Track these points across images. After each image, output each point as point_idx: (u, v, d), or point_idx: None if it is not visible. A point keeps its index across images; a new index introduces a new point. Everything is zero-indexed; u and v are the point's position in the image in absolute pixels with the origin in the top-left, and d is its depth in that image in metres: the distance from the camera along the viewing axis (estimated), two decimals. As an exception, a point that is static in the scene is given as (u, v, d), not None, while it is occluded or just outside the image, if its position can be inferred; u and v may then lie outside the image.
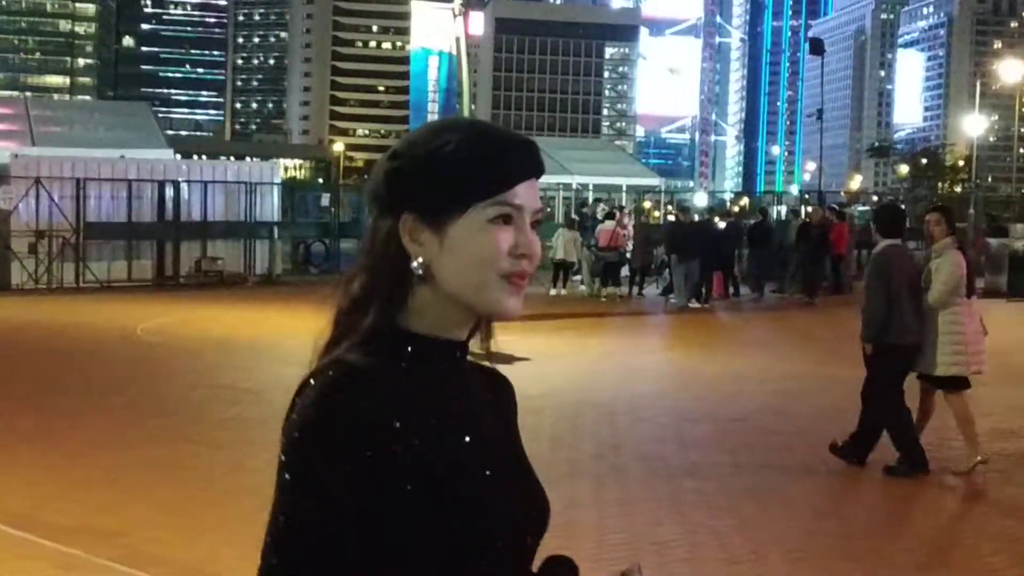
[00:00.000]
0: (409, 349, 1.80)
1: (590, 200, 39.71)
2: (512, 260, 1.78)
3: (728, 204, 55.09)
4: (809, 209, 33.51)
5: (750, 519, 8.63)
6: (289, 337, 18.96)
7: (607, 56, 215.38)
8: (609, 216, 30.36)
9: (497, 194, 1.78)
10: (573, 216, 32.39)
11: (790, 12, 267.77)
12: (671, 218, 35.35)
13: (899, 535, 8.30)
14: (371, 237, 1.83)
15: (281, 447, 1.72)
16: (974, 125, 64.29)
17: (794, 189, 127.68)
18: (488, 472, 1.80)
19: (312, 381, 1.75)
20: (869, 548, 7.89)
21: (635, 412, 13.06)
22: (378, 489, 1.69)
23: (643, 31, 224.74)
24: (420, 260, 1.78)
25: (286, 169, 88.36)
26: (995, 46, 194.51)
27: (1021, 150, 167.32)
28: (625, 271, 29.54)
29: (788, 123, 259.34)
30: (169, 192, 30.91)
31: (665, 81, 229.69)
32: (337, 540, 1.69)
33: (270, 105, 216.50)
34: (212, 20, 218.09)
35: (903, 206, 29.54)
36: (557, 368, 15.81)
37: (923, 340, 9.88)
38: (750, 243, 30.48)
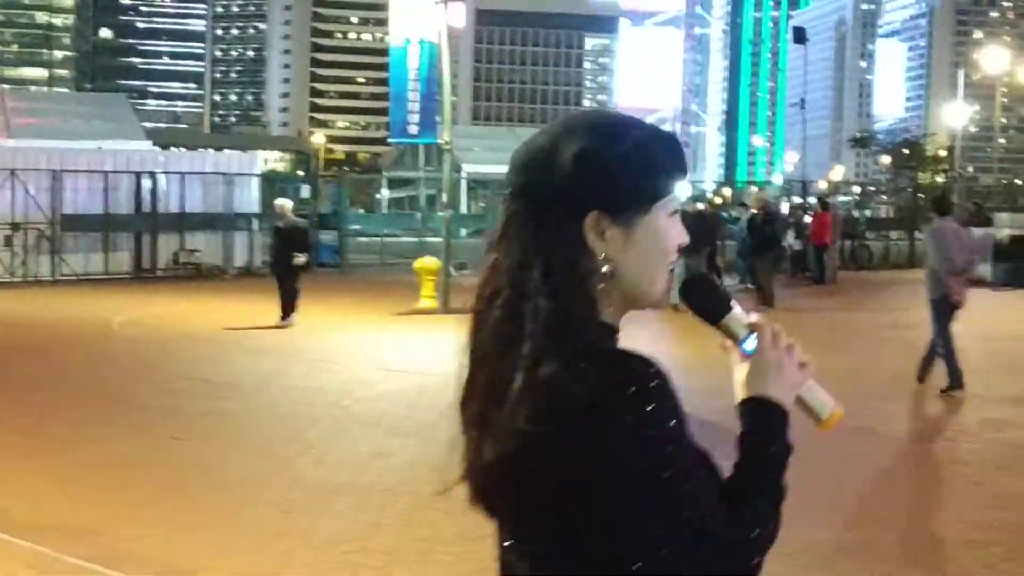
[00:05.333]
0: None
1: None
2: (675, 252, 1.91)
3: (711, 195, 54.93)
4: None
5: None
6: (268, 330, 18.78)
7: (587, 47, 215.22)
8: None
9: (674, 189, 1.89)
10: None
11: (771, 2, 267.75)
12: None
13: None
14: (550, 241, 1.82)
15: (608, 447, 1.70)
16: (956, 115, 64.23)
17: (778, 179, 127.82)
18: None
19: (603, 364, 1.75)
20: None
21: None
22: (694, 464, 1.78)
23: (624, 22, 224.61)
24: (607, 257, 1.82)
25: (266, 161, 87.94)
26: (976, 36, 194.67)
27: (1002, 140, 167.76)
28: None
29: (770, 114, 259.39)
30: (146, 183, 30.61)
31: (645, 72, 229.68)
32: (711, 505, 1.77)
33: (249, 97, 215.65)
34: (190, 11, 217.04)
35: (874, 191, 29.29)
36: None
37: None
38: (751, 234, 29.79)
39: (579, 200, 1.82)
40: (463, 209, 49.09)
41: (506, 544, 1.88)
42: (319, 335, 18.65)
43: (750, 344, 1.92)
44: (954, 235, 13.48)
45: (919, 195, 51.92)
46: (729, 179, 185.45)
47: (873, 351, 17.46)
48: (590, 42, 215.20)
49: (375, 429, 11.27)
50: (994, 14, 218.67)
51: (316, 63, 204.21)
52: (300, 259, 19.28)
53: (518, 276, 1.81)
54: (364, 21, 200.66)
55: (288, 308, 19.26)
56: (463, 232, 39.02)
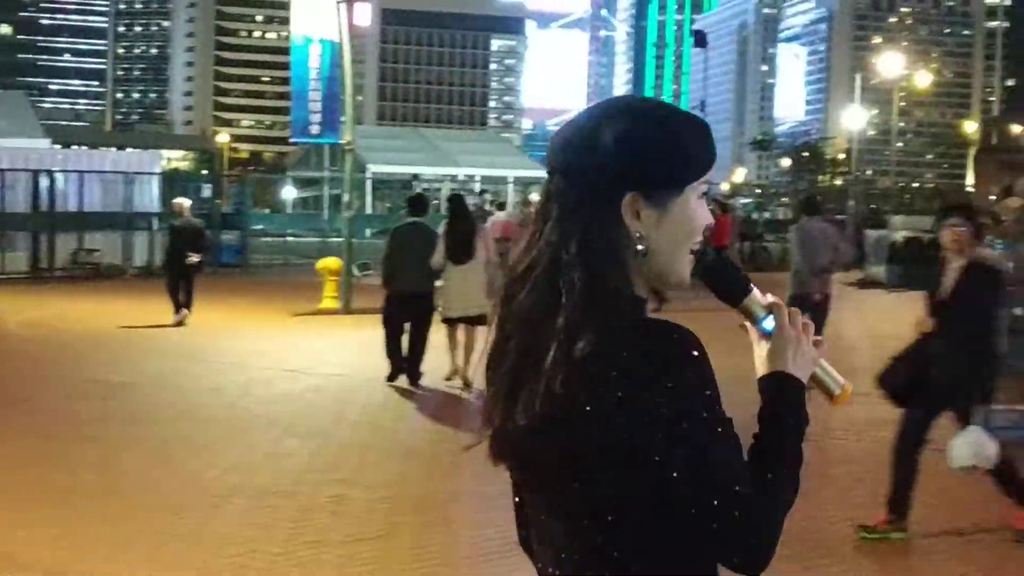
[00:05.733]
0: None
1: (477, 191, 39.64)
2: (701, 233, 2.01)
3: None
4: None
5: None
6: (166, 331, 18.59)
7: (494, 48, 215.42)
8: (500, 207, 30.37)
9: (707, 173, 1.99)
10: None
11: (675, 6, 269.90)
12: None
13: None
14: (588, 218, 1.92)
15: (647, 412, 1.82)
16: (854, 119, 65.26)
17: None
18: None
19: (640, 336, 1.86)
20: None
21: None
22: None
23: (530, 24, 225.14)
24: (641, 235, 1.94)
25: (169, 160, 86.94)
26: (874, 41, 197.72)
27: (899, 144, 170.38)
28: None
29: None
30: (44, 182, 30.13)
31: (551, 74, 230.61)
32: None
33: (152, 95, 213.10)
34: (92, 8, 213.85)
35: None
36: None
37: (426, 291, 13.66)
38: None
39: (618, 180, 1.93)
40: (368, 209, 48.94)
41: (535, 502, 2.01)
42: (219, 335, 18.51)
43: (768, 324, 2.04)
44: (820, 234, 13.79)
45: (817, 197, 52.67)
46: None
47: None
48: (496, 43, 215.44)
49: (272, 430, 11.22)
50: (892, 19, 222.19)
51: (220, 61, 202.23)
52: (193, 258, 19.20)
53: (556, 250, 1.92)
54: (269, 19, 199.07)
55: (178, 303, 19.23)
56: (368, 232, 38.93)
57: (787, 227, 46.21)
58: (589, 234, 1.91)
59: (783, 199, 75.82)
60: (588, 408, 1.84)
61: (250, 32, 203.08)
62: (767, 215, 53.57)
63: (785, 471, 1.95)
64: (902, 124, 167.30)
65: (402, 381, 13.88)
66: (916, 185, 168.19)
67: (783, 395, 2.00)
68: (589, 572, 1.94)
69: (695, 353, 1.85)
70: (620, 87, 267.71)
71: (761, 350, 2.05)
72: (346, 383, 14.06)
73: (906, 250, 31.34)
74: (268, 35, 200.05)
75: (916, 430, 7.84)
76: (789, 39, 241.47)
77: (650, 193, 1.94)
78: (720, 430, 1.85)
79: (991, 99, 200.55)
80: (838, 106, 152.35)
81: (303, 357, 16.15)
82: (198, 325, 19.05)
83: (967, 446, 7.46)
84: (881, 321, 21.54)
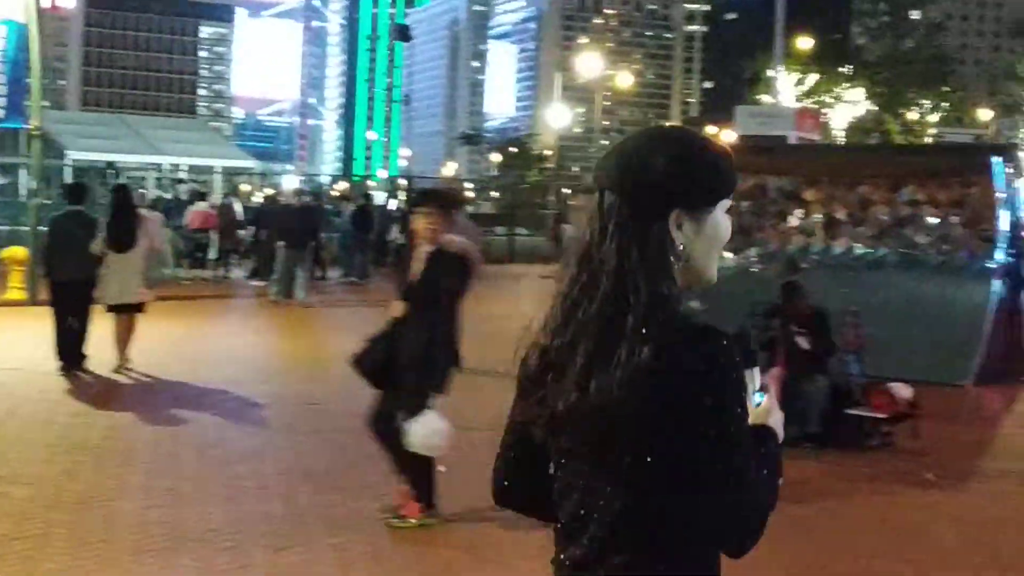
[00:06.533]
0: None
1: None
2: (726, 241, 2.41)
3: (325, 188, 54.92)
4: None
5: (298, 503, 8.54)
6: None
7: (202, 36, 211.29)
8: (200, 197, 29.83)
9: (734, 190, 2.39)
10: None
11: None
12: (260, 200, 34.97)
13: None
14: (643, 231, 2.27)
15: (698, 401, 2.17)
16: (557, 116, 66.94)
17: (383, 174, 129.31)
18: None
19: (693, 343, 2.20)
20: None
21: (201, 398, 12.76)
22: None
23: (241, 12, 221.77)
24: (684, 245, 2.31)
25: None
26: (580, 41, 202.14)
27: (604, 141, 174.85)
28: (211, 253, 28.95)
29: (387, 109, 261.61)
30: None
31: (263, 63, 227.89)
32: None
33: None
34: None
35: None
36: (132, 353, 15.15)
37: (86, 278, 13.50)
38: (354, 228, 30.17)
39: (668, 197, 2.29)
40: (66, 197, 47.24)
41: (578, 464, 2.33)
42: None
43: (757, 399, 2.44)
44: (462, 228, 14.20)
45: (518, 191, 53.75)
46: (347, 173, 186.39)
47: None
48: (206, 30, 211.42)
49: (-63, 428, 10.75)
50: (598, 20, 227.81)
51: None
52: None
53: (619, 259, 2.26)
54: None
55: None
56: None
57: (491, 221, 47.04)
58: (647, 246, 2.27)
59: (492, 193, 77.05)
60: (653, 394, 2.18)
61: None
62: (470, 209, 54.11)
63: (768, 477, 2.32)
64: (607, 123, 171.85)
65: (81, 374, 13.61)
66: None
67: (767, 434, 2.41)
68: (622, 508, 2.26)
69: (736, 357, 2.22)
70: (334, 78, 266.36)
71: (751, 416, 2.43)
72: (22, 377, 13.58)
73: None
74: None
75: (388, 411, 7.83)
76: (499, 36, 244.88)
77: (691, 209, 2.31)
78: (746, 425, 2.25)
79: (690, 100, 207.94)
80: (546, 104, 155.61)
81: (-20, 351, 15.53)
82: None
83: (419, 431, 7.58)
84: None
